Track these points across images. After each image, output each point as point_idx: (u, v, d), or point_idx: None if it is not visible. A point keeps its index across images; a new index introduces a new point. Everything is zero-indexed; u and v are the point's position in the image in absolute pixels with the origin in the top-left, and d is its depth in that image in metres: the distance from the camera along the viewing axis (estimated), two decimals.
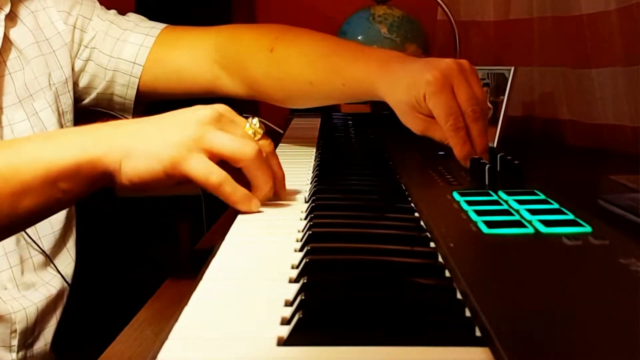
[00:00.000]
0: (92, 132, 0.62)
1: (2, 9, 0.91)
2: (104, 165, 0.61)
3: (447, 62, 0.78)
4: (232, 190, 0.62)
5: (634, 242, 0.49)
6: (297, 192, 0.73)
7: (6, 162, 0.61)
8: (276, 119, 1.68)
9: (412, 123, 0.81)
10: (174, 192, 0.66)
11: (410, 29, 1.55)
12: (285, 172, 0.70)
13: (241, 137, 0.63)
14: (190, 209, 1.60)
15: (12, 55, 0.92)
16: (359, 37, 1.54)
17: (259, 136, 0.66)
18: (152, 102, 1.08)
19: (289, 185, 0.75)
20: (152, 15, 1.06)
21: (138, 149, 0.60)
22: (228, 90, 1.00)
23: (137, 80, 1.00)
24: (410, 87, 0.78)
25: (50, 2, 0.97)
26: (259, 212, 0.65)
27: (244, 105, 1.76)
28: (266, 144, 0.67)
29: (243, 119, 0.66)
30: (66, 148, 0.61)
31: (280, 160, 0.70)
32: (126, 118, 1.05)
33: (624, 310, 0.39)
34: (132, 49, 0.99)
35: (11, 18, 0.93)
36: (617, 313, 0.38)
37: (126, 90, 1.01)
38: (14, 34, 0.93)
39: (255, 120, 0.67)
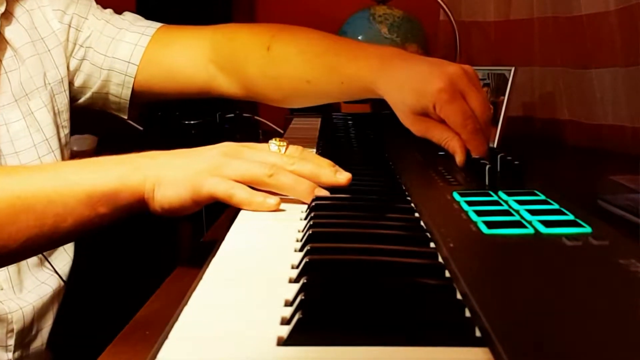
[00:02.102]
0: (129, 161, 0.66)
1: None
2: (140, 193, 0.64)
3: (454, 69, 0.78)
4: (246, 195, 0.65)
5: (633, 243, 0.49)
6: None
7: (50, 185, 0.64)
8: (276, 119, 1.68)
9: (413, 125, 0.81)
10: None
11: (411, 29, 1.55)
12: None
13: (254, 161, 0.66)
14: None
15: (8, 54, 0.92)
16: (359, 37, 1.54)
17: (284, 148, 0.70)
18: (148, 102, 1.07)
19: None
20: (153, 15, 1.06)
21: (168, 177, 0.64)
22: (224, 90, 0.99)
23: (132, 79, 0.99)
24: (419, 94, 0.78)
25: (46, 1, 0.97)
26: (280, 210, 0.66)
27: (244, 107, 1.76)
28: (293, 150, 0.70)
29: (265, 145, 0.70)
30: (107, 175, 0.65)
31: None
32: (122, 118, 1.04)
33: (623, 310, 0.39)
34: (127, 48, 0.99)
35: (6, 17, 0.92)
36: (616, 313, 0.38)
37: (121, 90, 1.00)
38: (9, 32, 0.92)
39: (276, 140, 0.71)
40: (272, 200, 0.65)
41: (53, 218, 0.64)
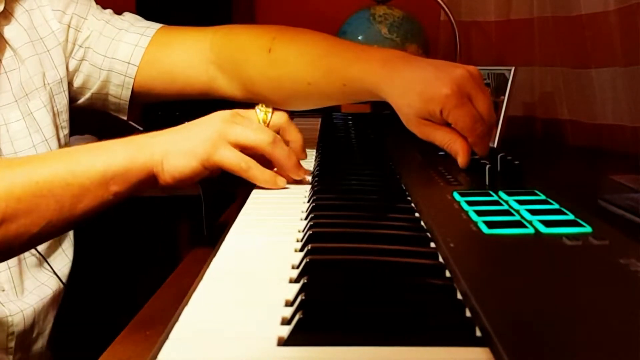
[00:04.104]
0: (134, 142, 0.71)
1: None
2: (149, 168, 0.69)
3: (460, 72, 0.78)
4: (260, 173, 0.72)
5: (634, 242, 0.49)
6: (297, 192, 0.73)
7: (66, 168, 0.68)
8: None
9: (417, 128, 0.81)
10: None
11: (411, 29, 1.55)
12: None
13: (256, 129, 0.73)
14: (190, 209, 1.60)
15: (7, 54, 0.92)
16: (359, 37, 1.54)
17: (269, 114, 0.77)
18: (147, 103, 1.07)
19: (289, 186, 0.76)
20: (152, 16, 1.05)
21: (175, 150, 0.69)
22: (224, 91, 0.99)
23: (132, 80, 0.99)
24: (426, 99, 0.78)
25: (45, 1, 0.96)
26: (283, 188, 0.74)
27: (244, 107, 1.76)
28: (278, 117, 0.78)
29: (253, 111, 0.77)
30: (116, 155, 0.69)
31: None
32: (122, 118, 1.04)
33: (624, 310, 0.39)
34: (127, 49, 0.98)
35: (5, 16, 0.92)
36: (617, 313, 0.38)
37: (121, 91, 1.00)
38: (8, 32, 0.92)
39: (262, 107, 0.78)
40: (282, 181, 0.74)
41: (70, 199, 0.68)
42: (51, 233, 0.72)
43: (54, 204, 0.67)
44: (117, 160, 0.69)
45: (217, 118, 0.72)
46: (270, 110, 0.77)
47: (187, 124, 0.72)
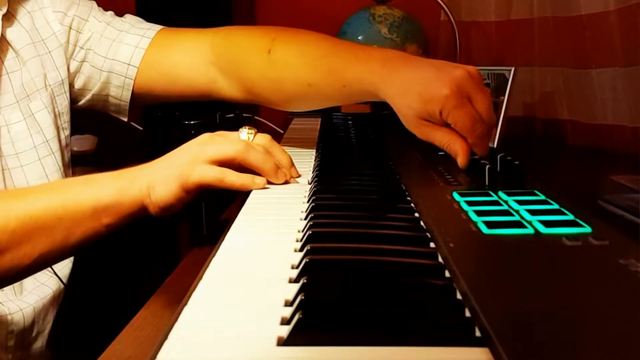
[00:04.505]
0: (125, 175, 0.72)
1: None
2: (139, 201, 0.71)
3: (460, 73, 0.77)
4: (236, 177, 0.72)
5: (633, 243, 0.49)
6: (297, 192, 0.73)
7: (59, 202, 0.70)
8: (276, 119, 1.68)
9: (416, 128, 0.81)
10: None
11: (411, 29, 1.55)
12: None
13: (229, 142, 0.73)
14: (190, 209, 1.60)
15: (9, 55, 0.92)
16: (359, 37, 1.54)
17: (252, 136, 0.78)
18: (148, 104, 1.07)
19: (289, 185, 0.75)
20: (152, 17, 1.05)
21: (157, 179, 0.71)
22: (224, 93, 0.99)
23: (132, 81, 0.99)
24: (426, 99, 0.78)
25: (47, 3, 0.96)
26: (266, 188, 0.74)
27: (243, 107, 1.77)
28: (261, 137, 0.78)
29: (234, 132, 0.78)
30: (107, 189, 0.71)
31: None
32: (122, 120, 1.04)
33: (623, 310, 0.39)
34: (127, 51, 0.98)
35: (8, 18, 0.92)
36: (616, 313, 0.38)
37: (121, 92, 1.00)
38: (10, 33, 0.92)
39: (246, 128, 0.79)
40: (260, 180, 0.73)
41: (63, 232, 0.69)
42: (45, 263, 0.74)
43: (46, 237, 0.69)
44: (108, 194, 0.70)
45: (196, 142, 0.73)
46: (253, 132, 0.78)
47: (169, 153, 0.74)
